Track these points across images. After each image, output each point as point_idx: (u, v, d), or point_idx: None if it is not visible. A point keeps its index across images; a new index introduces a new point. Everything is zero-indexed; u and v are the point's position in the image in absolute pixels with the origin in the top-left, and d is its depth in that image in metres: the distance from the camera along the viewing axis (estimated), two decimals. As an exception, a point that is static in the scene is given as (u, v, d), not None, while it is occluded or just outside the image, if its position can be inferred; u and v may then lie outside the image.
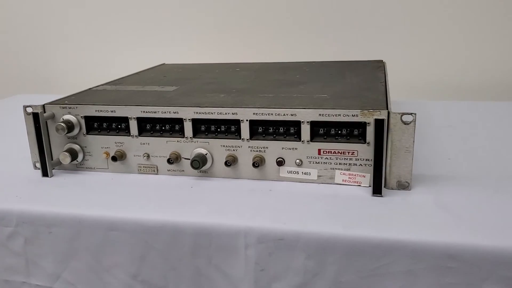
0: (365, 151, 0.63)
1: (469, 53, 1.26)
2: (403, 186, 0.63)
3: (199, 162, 0.67)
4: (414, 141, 0.61)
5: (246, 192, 0.64)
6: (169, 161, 0.69)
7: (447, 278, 0.51)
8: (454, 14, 1.25)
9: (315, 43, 1.32)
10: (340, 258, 0.53)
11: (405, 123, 0.61)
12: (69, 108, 0.72)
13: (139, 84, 0.88)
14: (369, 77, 0.88)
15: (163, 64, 1.16)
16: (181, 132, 0.69)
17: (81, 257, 0.61)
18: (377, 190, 0.61)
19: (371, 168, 0.63)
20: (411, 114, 0.60)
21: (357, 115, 0.62)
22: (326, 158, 0.65)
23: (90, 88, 0.85)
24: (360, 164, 0.64)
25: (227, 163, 0.67)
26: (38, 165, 0.75)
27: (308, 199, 0.61)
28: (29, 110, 0.73)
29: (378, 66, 0.99)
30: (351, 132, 0.64)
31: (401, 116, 0.61)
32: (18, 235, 0.63)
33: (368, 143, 0.63)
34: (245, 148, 0.67)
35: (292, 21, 1.33)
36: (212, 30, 1.38)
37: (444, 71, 1.29)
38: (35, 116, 0.70)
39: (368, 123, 0.62)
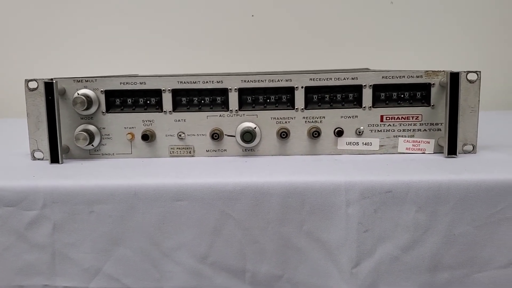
0: (429, 114, 0.61)
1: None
2: (467, 150, 0.61)
3: (251, 134, 0.59)
4: (479, 101, 0.60)
5: (313, 163, 0.57)
6: (214, 136, 0.60)
7: None
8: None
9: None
10: (454, 207, 0.48)
11: (470, 81, 0.60)
12: (86, 81, 0.61)
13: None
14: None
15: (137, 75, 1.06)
16: (223, 106, 0.61)
17: (132, 241, 0.49)
18: (452, 150, 0.58)
19: (435, 133, 0.61)
20: (475, 72, 0.59)
21: (421, 76, 0.60)
22: (389, 125, 0.61)
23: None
24: (425, 129, 0.61)
25: (282, 135, 0.60)
26: (38, 154, 0.61)
27: (386, 163, 0.56)
28: (32, 85, 0.60)
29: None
30: (414, 96, 0.61)
31: (467, 74, 0.60)
32: (44, 220, 0.49)
33: (432, 105, 0.60)
34: (299, 119, 0.61)
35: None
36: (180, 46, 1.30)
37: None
38: (48, 87, 0.58)
39: (433, 84, 0.60)
